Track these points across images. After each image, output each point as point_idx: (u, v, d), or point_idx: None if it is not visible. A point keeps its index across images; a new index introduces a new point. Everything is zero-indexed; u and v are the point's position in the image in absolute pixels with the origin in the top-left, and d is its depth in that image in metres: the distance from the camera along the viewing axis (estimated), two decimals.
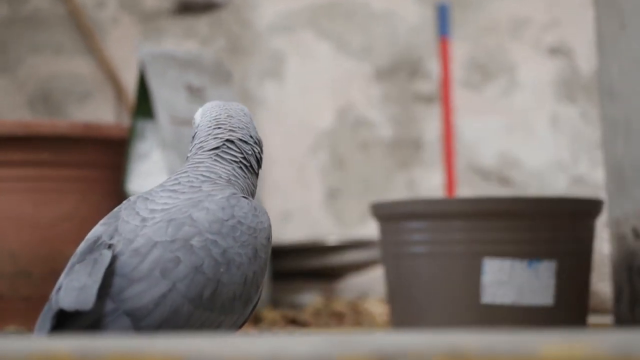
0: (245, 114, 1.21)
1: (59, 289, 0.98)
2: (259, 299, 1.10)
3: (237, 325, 1.08)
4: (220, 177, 1.13)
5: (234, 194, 1.10)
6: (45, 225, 2.25)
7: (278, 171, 3.12)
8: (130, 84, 3.07)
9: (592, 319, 1.96)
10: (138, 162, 2.32)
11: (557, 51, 3.12)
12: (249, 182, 1.17)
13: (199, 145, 1.17)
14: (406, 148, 3.13)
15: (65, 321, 0.96)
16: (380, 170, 3.13)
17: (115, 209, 1.09)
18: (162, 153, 2.28)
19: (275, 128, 3.13)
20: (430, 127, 3.12)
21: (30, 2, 3.22)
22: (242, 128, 1.18)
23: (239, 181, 1.15)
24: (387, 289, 1.88)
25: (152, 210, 1.06)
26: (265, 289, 2.42)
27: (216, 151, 1.16)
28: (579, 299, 1.79)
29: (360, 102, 3.15)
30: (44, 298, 1.19)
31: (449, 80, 2.75)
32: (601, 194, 2.18)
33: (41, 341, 0.77)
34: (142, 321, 0.97)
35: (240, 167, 1.16)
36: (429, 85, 3.14)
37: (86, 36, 3.18)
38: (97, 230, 1.06)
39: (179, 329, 0.99)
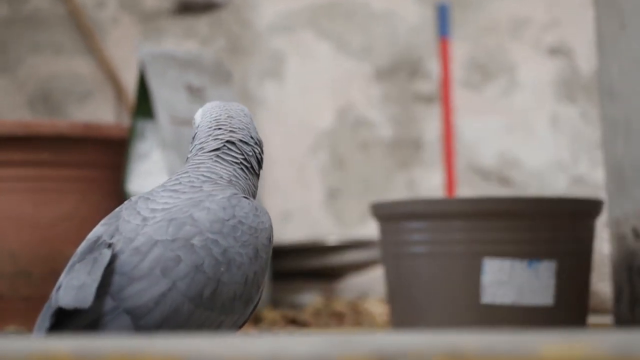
0: (245, 114, 1.21)
1: (59, 288, 0.98)
2: (259, 299, 1.10)
3: (238, 325, 1.08)
4: (222, 177, 1.13)
5: (235, 194, 1.10)
6: (45, 225, 2.25)
7: (278, 171, 3.12)
8: (130, 84, 3.07)
9: (592, 319, 1.96)
10: (138, 162, 2.32)
11: (557, 51, 3.12)
12: (250, 183, 1.17)
13: (199, 146, 1.17)
14: (406, 148, 3.13)
15: (64, 319, 0.97)
16: (380, 170, 3.13)
17: (117, 209, 1.09)
18: (162, 153, 2.28)
19: (275, 128, 3.13)
20: (430, 127, 3.12)
21: (30, 2, 3.22)
22: (243, 129, 1.18)
23: (240, 182, 1.15)
24: (387, 289, 1.88)
25: (153, 210, 1.06)
26: (265, 289, 2.42)
27: (217, 152, 1.16)
28: (579, 299, 1.79)
29: (360, 102, 3.15)
30: (44, 298, 1.19)
31: (449, 80, 2.75)
32: (601, 194, 2.18)
33: (41, 341, 0.77)
34: (142, 319, 0.98)
35: (241, 168, 1.16)
36: (429, 85, 3.14)
37: (86, 36, 3.18)
38: (98, 230, 1.06)
39: (179, 328, 0.99)
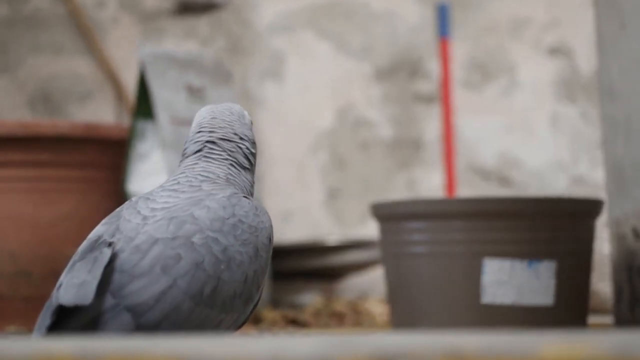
0: (231, 112, 1.20)
1: (60, 286, 0.99)
2: (259, 298, 1.11)
3: (238, 324, 1.08)
4: (219, 176, 1.14)
5: (235, 193, 1.11)
6: (45, 225, 2.25)
7: (278, 171, 3.12)
8: (130, 84, 3.08)
9: (592, 319, 1.96)
10: (138, 162, 2.32)
11: (557, 51, 3.12)
12: (244, 179, 1.17)
13: (183, 152, 1.19)
14: (406, 148, 3.13)
15: (65, 317, 0.97)
16: (380, 170, 3.13)
17: (117, 209, 1.10)
18: (162, 153, 2.28)
19: (275, 128, 3.13)
20: (430, 127, 3.12)
21: (30, 2, 3.22)
22: (224, 127, 1.18)
23: (236, 179, 1.15)
24: (387, 289, 1.88)
25: (154, 209, 1.06)
26: (265, 289, 2.42)
27: (200, 154, 1.16)
28: (579, 299, 1.79)
29: (360, 102, 3.15)
30: (44, 298, 1.19)
31: (449, 80, 2.75)
32: (601, 194, 2.18)
33: (42, 342, 0.77)
34: (142, 317, 0.98)
35: (232, 165, 1.17)
36: (429, 85, 3.14)
37: (86, 36, 3.18)
38: (99, 229, 1.06)
39: (180, 326, 1.00)
